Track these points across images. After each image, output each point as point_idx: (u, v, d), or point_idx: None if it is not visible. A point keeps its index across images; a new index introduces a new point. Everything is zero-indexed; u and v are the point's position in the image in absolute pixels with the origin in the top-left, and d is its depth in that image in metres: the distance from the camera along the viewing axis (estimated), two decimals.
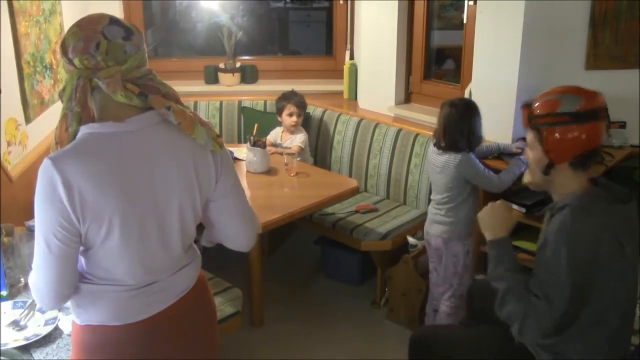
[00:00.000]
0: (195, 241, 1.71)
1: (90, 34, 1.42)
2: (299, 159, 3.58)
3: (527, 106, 1.91)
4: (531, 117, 1.88)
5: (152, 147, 1.47)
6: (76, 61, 1.42)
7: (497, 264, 1.94)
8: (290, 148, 3.67)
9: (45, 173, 1.38)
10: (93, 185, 1.39)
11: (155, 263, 1.54)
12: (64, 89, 1.45)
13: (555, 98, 1.84)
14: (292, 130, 3.75)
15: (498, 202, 2.06)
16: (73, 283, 1.50)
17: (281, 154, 3.51)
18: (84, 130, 1.43)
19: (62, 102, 1.46)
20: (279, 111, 3.76)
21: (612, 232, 1.79)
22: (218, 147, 1.55)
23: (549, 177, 1.89)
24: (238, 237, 1.71)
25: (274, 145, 3.78)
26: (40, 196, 1.40)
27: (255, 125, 3.56)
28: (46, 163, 1.38)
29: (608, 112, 1.85)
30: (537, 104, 1.88)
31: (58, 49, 1.47)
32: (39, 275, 1.47)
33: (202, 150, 1.53)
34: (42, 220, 1.41)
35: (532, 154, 1.92)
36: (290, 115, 3.71)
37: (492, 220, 2.00)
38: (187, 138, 1.50)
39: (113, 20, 1.46)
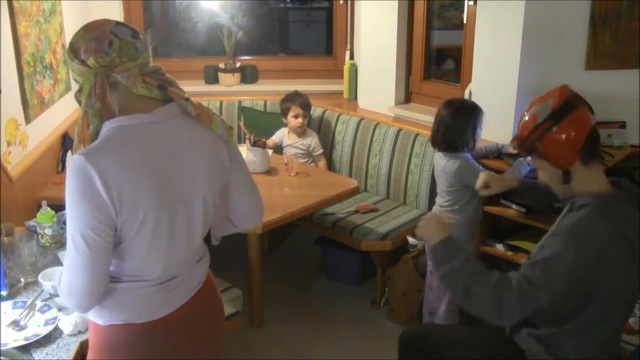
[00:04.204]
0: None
1: (101, 34, 1.45)
2: (322, 161, 3.74)
3: (515, 139, 1.96)
4: (521, 142, 1.91)
5: (177, 137, 1.51)
6: (91, 61, 1.45)
7: (451, 259, 1.92)
8: (305, 150, 3.75)
9: (80, 169, 1.39)
10: (128, 176, 1.42)
11: (180, 254, 1.58)
12: (80, 90, 1.48)
13: (531, 113, 1.90)
14: (299, 132, 3.75)
15: (429, 213, 2.16)
16: (107, 281, 1.50)
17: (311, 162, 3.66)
18: (109, 125, 1.45)
19: (78, 102, 1.49)
20: (284, 113, 3.75)
21: (628, 237, 1.80)
22: (230, 136, 1.61)
23: (570, 185, 1.90)
24: (251, 217, 1.77)
25: (280, 146, 3.78)
26: (75, 192, 1.40)
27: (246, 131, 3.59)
28: (78, 159, 1.39)
29: (581, 97, 1.87)
30: (520, 130, 1.92)
31: (66, 54, 1.49)
32: (76, 275, 1.45)
33: (218, 140, 1.59)
34: (79, 216, 1.41)
35: (545, 174, 1.94)
36: (296, 117, 3.70)
37: (430, 228, 2.02)
38: (205, 129, 1.56)
39: (119, 23, 1.50)
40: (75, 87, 3.61)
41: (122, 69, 1.44)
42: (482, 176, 2.65)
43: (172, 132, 1.51)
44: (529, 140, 1.88)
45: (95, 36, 1.45)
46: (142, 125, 1.47)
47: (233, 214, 1.74)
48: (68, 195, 1.41)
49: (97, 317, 1.58)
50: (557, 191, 1.96)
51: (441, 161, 2.82)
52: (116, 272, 1.53)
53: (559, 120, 1.82)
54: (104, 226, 1.42)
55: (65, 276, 1.47)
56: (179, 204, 1.52)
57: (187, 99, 1.52)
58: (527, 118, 1.90)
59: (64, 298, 1.51)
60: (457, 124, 2.75)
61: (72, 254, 1.44)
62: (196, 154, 1.54)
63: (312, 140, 3.76)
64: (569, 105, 1.84)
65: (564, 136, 1.82)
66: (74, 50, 1.47)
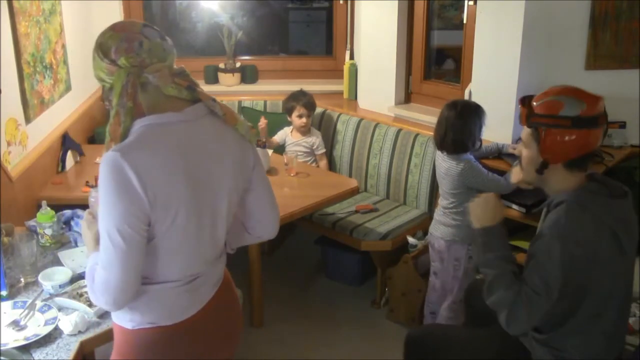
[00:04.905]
0: None
1: (131, 35, 1.48)
2: (324, 161, 3.76)
3: (525, 102, 1.89)
4: (530, 114, 1.86)
5: (206, 137, 1.54)
6: (122, 61, 1.47)
7: (486, 251, 1.94)
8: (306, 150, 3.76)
9: (115, 165, 1.40)
10: (162, 173, 1.44)
11: (205, 252, 1.60)
12: (110, 89, 1.50)
13: (558, 100, 1.83)
14: (303, 131, 3.75)
15: (489, 194, 2.07)
16: (140, 278, 1.50)
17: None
18: (140, 123, 1.47)
19: (108, 101, 1.50)
20: (288, 112, 3.76)
21: (609, 228, 1.79)
22: (253, 137, 1.63)
23: (542, 176, 1.89)
24: (268, 223, 1.78)
25: (281, 146, 3.78)
26: (110, 188, 1.41)
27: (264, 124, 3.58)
28: (113, 155, 1.41)
29: (607, 118, 1.85)
30: (537, 103, 1.86)
31: (94, 53, 1.50)
32: (111, 271, 1.45)
33: (242, 140, 1.61)
34: (115, 212, 1.42)
35: (527, 151, 1.91)
36: (300, 117, 3.70)
37: (482, 209, 2.01)
38: (230, 129, 1.58)
39: (145, 24, 1.54)
40: (77, 86, 3.61)
41: (153, 69, 1.48)
42: (518, 170, 2.59)
43: (201, 131, 1.53)
44: (539, 118, 1.84)
45: (126, 37, 1.47)
46: (174, 123, 1.49)
47: (248, 218, 1.74)
48: (103, 192, 1.42)
49: (125, 321, 1.58)
50: (526, 174, 1.95)
51: (444, 163, 2.81)
52: (148, 272, 1.53)
53: (577, 127, 1.80)
54: (139, 221, 1.43)
55: (101, 273, 1.47)
56: (206, 202, 1.54)
57: (214, 100, 1.56)
58: (553, 99, 1.83)
59: (98, 296, 1.50)
60: (466, 125, 2.74)
61: (109, 251, 1.44)
62: (224, 153, 1.57)
63: (316, 140, 3.76)
64: (595, 120, 1.81)
65: (568, 140, 1.81)
66: (103, 49, 1.48)
